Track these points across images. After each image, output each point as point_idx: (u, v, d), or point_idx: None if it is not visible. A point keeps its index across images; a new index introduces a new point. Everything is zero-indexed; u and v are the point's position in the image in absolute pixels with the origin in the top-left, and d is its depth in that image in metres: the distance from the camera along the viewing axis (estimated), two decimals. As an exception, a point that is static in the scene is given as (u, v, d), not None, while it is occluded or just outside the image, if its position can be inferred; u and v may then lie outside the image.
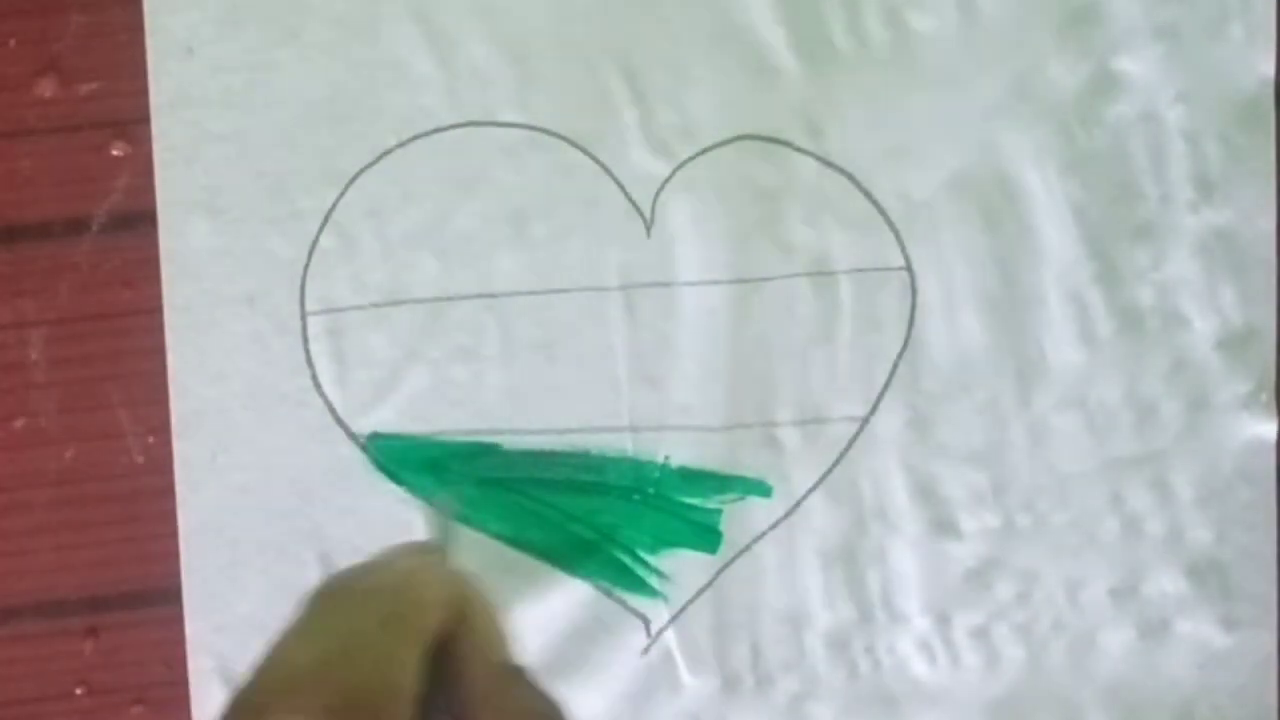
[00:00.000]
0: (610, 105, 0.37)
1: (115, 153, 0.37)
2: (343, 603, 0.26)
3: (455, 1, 0.37)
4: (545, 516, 0.37)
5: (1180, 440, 0.37)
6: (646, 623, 0.37)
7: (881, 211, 0.37)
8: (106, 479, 0.37)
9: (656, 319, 0.37)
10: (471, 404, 0.37)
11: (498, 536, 0.37)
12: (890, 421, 0.37)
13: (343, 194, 0.37)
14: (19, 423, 0.37)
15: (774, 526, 0.37)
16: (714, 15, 0.37)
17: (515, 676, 0.26)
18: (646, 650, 0.37)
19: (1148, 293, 0.37)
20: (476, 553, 0.37)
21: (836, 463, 0.37)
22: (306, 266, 0.37)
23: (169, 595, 0.37)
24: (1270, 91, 0.37)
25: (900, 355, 0.37)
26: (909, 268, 0.37)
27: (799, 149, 0.37)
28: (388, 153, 0.37)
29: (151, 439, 0.37)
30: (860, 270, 0.37)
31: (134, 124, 0.37)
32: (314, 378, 0.37)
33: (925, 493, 0.37)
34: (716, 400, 0.37)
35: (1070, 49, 0.37)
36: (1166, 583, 0.37)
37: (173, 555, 0.37)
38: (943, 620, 0.37)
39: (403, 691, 0.23)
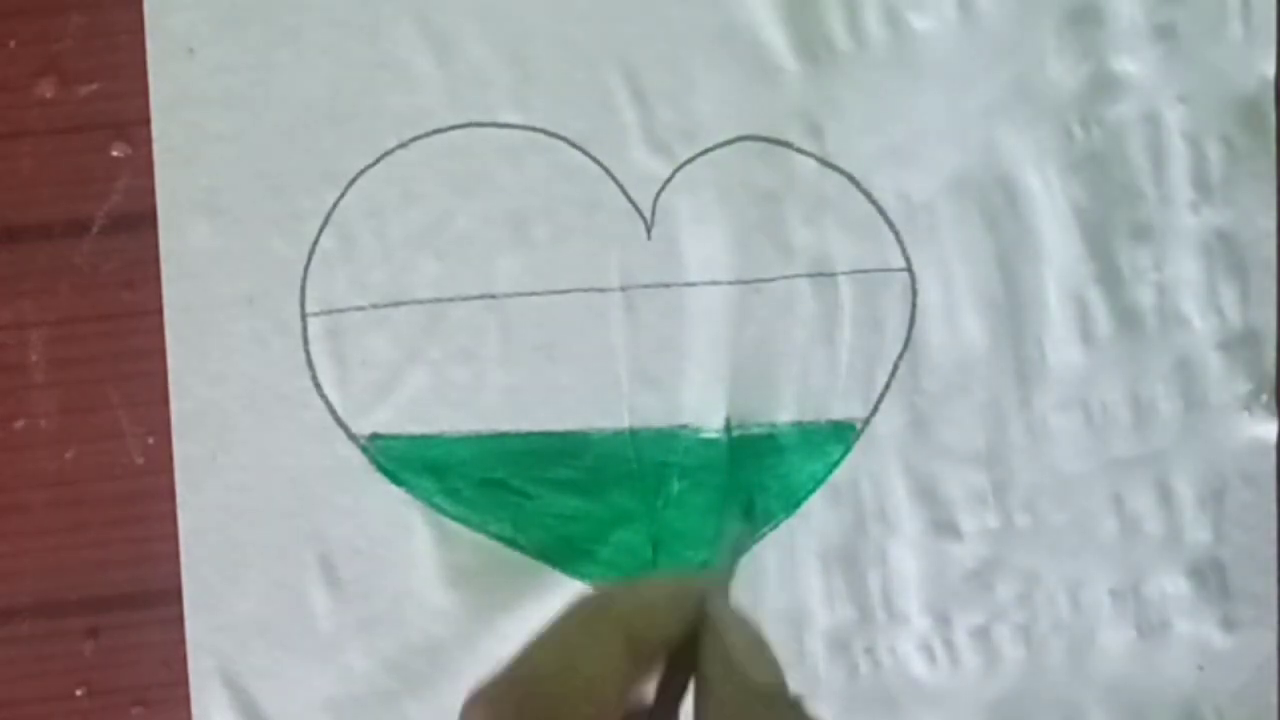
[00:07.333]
0: (610, 105, 0.37)
1: (115, 153, 0.37)
2: (571, 612, 0.26)
3: (455, 2, 0.37)
4: (545, 517, 0.37)
5: (1180, 440, 0.37)
6: (647, 623, 0.37)
7: (882, 212, 0.37)
8: (106, 479, 0.37)
9: (657, 320, 0.37)
10: (472, 404, 0.37)
11: (498, 537, 0.37)
12: (890, 422, 0.37)
13: (343, 194, 0.37)
14: (19, 423, 0.37)
15: (774, 527, 0.37)
16: (714, 15, 0.37)
17: (770, 700, 0.25)
18: (647, 650, 0.37)
19: (1148, 293, 0.37)
20: (476, 553, 0.37)
21: (837, 463, 0.37)
22: (307, 267, 0.37)
23: (169, 595, 0.37)
24: (1270, 91, 0.37)
25: (901, 356, 0.37)
26: (909, 268, 0.37)
27: (799, 149, 0.37)
28: (388, 153, 0.37)
29: (151, 439, 0.37)
30: (861, 271, 0.37)
31: (134, 124, 0.37)
32: (314, 378, 0.37)
33: (925, 493, 0.37)
34: (717, 401, 0.37)
35: (1070, 49, 0.37)
36: (1166, 583, 0.38)
37: (173, 555, 0.37)
38: (943, 620, 0.37)
39: (588, 684, 0.24)
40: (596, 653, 0.24)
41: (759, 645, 0.26)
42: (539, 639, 0.25)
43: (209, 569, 0.37)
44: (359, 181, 0.37)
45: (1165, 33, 0.37)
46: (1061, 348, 0.37)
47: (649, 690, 0.26)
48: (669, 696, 0.26)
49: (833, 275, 0.37)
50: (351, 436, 0.37)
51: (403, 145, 0.37)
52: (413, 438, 0.37)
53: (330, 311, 0.37)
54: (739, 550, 0.35)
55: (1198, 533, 0.37)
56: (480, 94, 0.37)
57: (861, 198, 0.37)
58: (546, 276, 0.37)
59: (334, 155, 0.37)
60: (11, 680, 0.38)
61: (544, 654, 0.24)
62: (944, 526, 0.37)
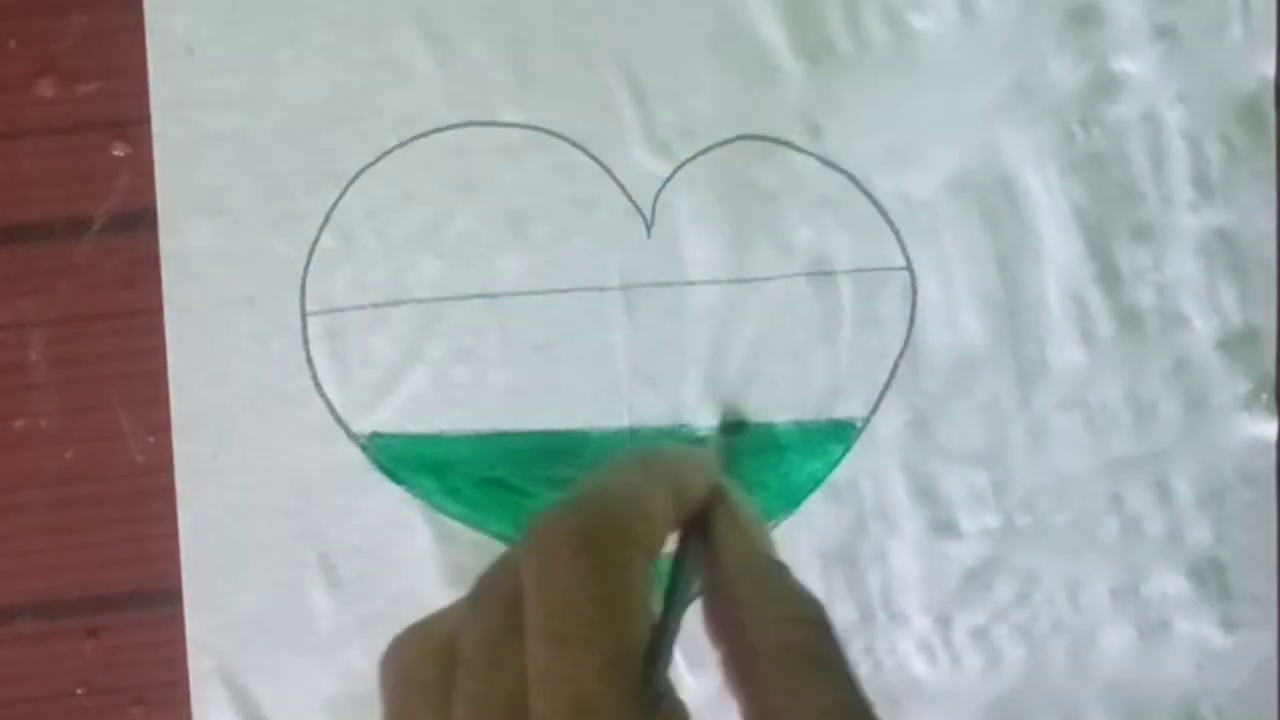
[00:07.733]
0: (610, 105, 0.37)
1: (115, 153, 0.37)
2: (627, 458, 0.28)
3: (455, 2, 0.37)
4: (545, 516, 0.37)
5: (1180, 440, 0.37)
6: (647, 623, 0.37)
7: (882, 211, 0.37)
8: (106, 479, 0.37)
9: (657, 319, 0.37)
10: (472, 404, 0.37)
11: (498, 536, 0.37)
12: (890, 421, 0.37)
13: (343, 194, 0.37)
14: (19, 423, 0.37)
15: (774, 526, 0.37)
16: (714, 15, 0.37)
17: (778, 565, 0.27)
18: (647, 650, 0.37)
19: (1148, 293, 0.37)
20: (476, 553, 0.37)
21: (837, 462, 0.37)
22: (307, 266, 0.37)
23: (169, 595, 0.37)
24: (1270, 91, 0.37)
25: (901, 355, 0.37)
26: (909, 268, 0.37)
27: (799, 149, 0.37)
28: (388, 153, 0.37)
29: (151, 439, 0.37)
30: (861, 270, 0.37)
31: (134, 124, 0.37)
32: (314, 378, 0.37)
33: (925, 493, 0.37)
34: (717, 400, 0.37)
35: (1070, 49, 0.37)
36: (1166, 583, 0.38)
37: (173, 555, 0.37)
38: (943, 620, 0.37)
39: (649, 516, 0.25)
40: (652, 493, 0.26)
41: (760, 519, 0.28)
42: (605, 474, 0.26)
43: (209, 569, 0.37)
44: (359, 181, 0.37)
45: (1165, 33, 0.37)
46: (1061, 348, 0.37)
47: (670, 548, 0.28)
48: (689, 558, 0.27)
49: (832, 274, 0.37)
50: (351, 436, 0.37)
51: (402, 145, 0.37)
52: (413, 437, 0.37)
53: (330, 311, 0.37)
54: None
55: (1198, 533, 0.37)
56: (480, 94, 0.37)
57: (861, 197, 0.37)
58: (546, 276, 0.37)
59: (334, 155, 0.37)
60: (11, 680, 0.38)
61: (612, 485, 0.25)
62: (944, 526, 0.37)
